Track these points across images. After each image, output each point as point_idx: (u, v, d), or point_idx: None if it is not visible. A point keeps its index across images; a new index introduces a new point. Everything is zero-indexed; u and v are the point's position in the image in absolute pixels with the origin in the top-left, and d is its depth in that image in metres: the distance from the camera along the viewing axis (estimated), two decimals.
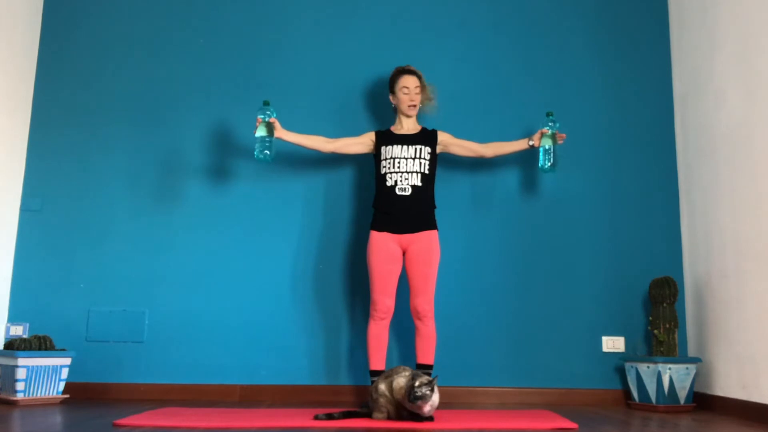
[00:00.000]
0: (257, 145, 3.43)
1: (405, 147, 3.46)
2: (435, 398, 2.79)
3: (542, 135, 3.55)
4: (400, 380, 2.84)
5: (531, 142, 3.58)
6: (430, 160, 3.47)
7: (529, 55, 4.07)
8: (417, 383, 2.74)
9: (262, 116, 3.44)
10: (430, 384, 2.75)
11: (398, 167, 3.43)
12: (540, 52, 4.08)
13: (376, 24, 4.10)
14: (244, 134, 3.95)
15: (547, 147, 3.55)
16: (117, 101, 4.03)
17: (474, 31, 4.10)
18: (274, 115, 3.46)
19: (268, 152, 3.43)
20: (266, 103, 3.47)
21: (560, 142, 3.58)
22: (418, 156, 3.45)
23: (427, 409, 2.78)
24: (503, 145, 3.65)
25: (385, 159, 3.46)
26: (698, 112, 3.75)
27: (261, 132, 3.43)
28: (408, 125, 3.57)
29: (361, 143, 3.59)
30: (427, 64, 3.80)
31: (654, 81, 4.06)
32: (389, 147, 3.47)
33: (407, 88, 3.53)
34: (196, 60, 4.07)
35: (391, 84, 3.60)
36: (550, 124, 3.55)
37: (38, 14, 4.11)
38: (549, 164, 3.55)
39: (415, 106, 3.53)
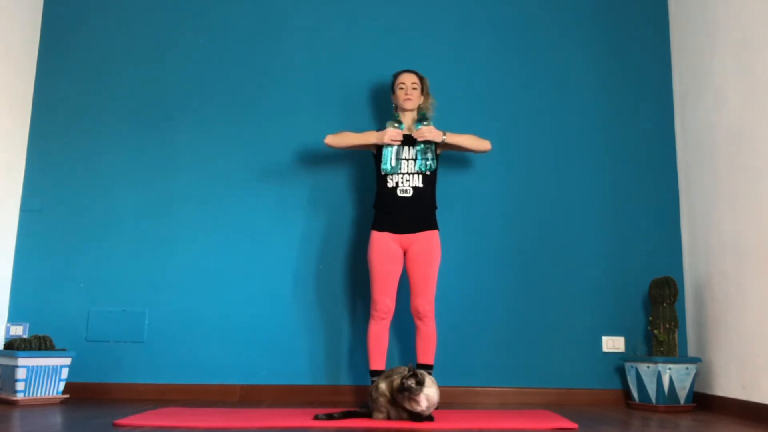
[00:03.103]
0: (390, 156, 3.42)
1: (406, 148, 3.46)
2: (432, 395, 2.79)
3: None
4: (400, 380, 2.83)
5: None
6: (431, 159, 3.46)
7: (529, 55, 4.07)
8: (406, 375, 2.77)
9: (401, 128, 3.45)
10: (416, 376, 2.75)
11: (399, 168, 3.42)
12: (539, 52, 4.07)
13: (376, 25, 4.10)
14: (244, 135, 3.95)
15: (418, 148, 3.43)
16: (117, 101, 4.03)
17: (474, 31, 4.09)
18: (402, 127, 3.48)
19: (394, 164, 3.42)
20: (399, 122, 3.49)
21: (420, 138, 3.40)
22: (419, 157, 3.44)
23: (425, 406, 2.78)
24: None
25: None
26: (698, 112, 3.75)
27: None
28: (409, 125, 3.56)
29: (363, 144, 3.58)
30: (427, 64, 3.81)
31: (654, 81, 4.06)
32: (390, 147, 3.47)
33: (403, 83, 3.53)
34: (197, 60, 4.06)
35: (391, 85, 3.61)
36: (419, 125, 3.45)
37: (38, 14, 4.11)
38: (426, 163, 3.39)
39: (410, 100, 3.52)
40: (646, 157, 3.99)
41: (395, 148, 3.42)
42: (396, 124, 3.45)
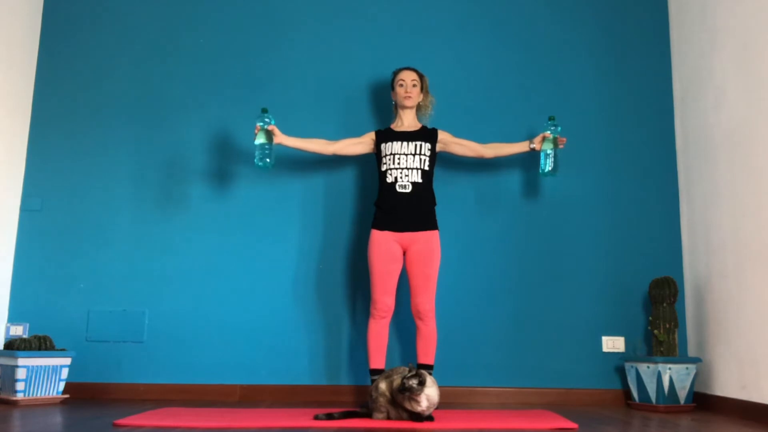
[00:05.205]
0: (257, 153, 3.43)
1: (405, 143, 3.47)
2: (432, 395, 2.79)
3: (544, 139, 3.55)
4: (400, 380, 2.83)
5: (532, 145, 3.58)
6: (430, 156, 3.47)
7: (529, 55, 4.07)
8: (407, 375, 2.76)
9: (261, 123, 3.43)
10: (418, 376, 2.75)
11: (398, 163, 3.43)
12: (540, 52, 4.08)
13: (376, 24, 4.10)
14: (244, 135, 3.95)
15: (548, 151, 3.54)
16: (117, 101, 4.03)
17: (474, 31, 4.10)
18: (273, 122, 3.46)
19: (268, 159, 3.43)
20: (264, 110, 3.46)
21: (561, 146, 3.57)
22: (418, 152, 3.45)
23: (425, 406, 2.78)
24: (504, 146, 3.65)
25: (386, 155, 3.47)
26: (698, 112, 3.75)
27: (260, 139, 3.42)
28: (408, 122, 3.57)
29: (361, 143, 3.59)
30: (427, 64, 3.80)
31: (654, 81, 4.06)
32: (389, 143, 3.48)
33: (403, 80, 3.55)
34: (197, 60, 4.07)
35: (391, 82, 3.61)
36: (552, 128, 3.55)
37: (38, 14, 4.12)
38: (550, 168, 3.54)
39: (410, 97, 3.53)
40: (646, 157, 3.99)
41: (261, 142, 3.42)
42: (267, 119, 3.44)
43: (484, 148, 3.62)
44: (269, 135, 3.44)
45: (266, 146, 3.43)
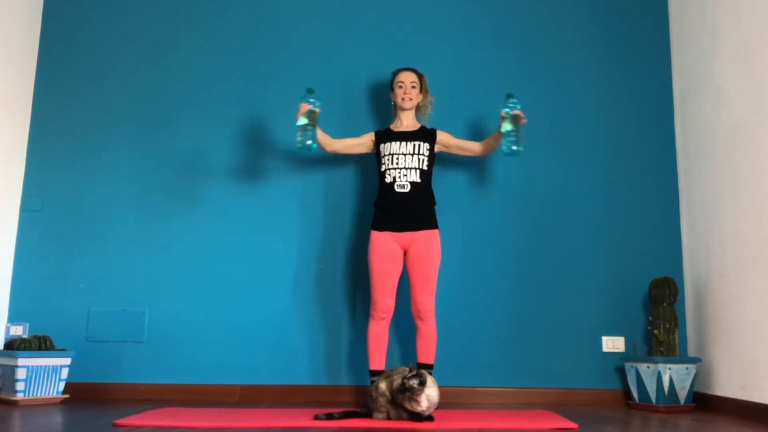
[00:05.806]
0: (300, 134, 3.27)
1: (404, 143, 3.47)
2: (433, 395, 2.79)
3: (503, 119, 3.35)
4: (400, 380, 2.83)
5: (501, 130, 3.39)
6: (428, 156, 3.47)
7: (529, 54, 4.07)
8: (408, 375, 2.76)
9: (308, 104, 3.27)
10: (419, 377, 2.75)
11: (397, 163, 3.44)
12: (540, 52, 4.08)
13: (376, 24, 4.10)
14: (244, 135, 3.95)
15: (508, 129, 3.32)
16: (117, 101, 4.03)
17: (474, 31, 4.10)
18: (319, 104, 3.31)
19: (310, 141, 3.26)
20: (310, 91, 3.30)
21: (523, 122, 3.35)
22: (416, 152, 3.45)
23: (425, 406, 2.78)
24: (489, 140, 3.56)
25: (385, 155, 3.48)
26: (698, 112, 3.75)
27: (304, 120, 3.27)
28: (407, 122, 3.57)
29: (362, 144, 3.60)
30: (427, 64, 3.80)
31: (654, 81, 4.06)
32: (388, 144, 3.48)
33: (402, 82, 3.55)
34: (197, 61, 4.07)
35: (390, 82, 3.61)
36: (510, 105, 3.35)
37: (38, 14, 4.12)
38: (512, 148, 3.30)
39: (410, 99, 3.53)
40: (646, 157, 3.99)
41: (305, 123, 3.27)
42: (312, 100, 3.29)
43: (479, 146, 3.59)
44: (312, 116, 3.28)
45: (309, 127, 3.27)
